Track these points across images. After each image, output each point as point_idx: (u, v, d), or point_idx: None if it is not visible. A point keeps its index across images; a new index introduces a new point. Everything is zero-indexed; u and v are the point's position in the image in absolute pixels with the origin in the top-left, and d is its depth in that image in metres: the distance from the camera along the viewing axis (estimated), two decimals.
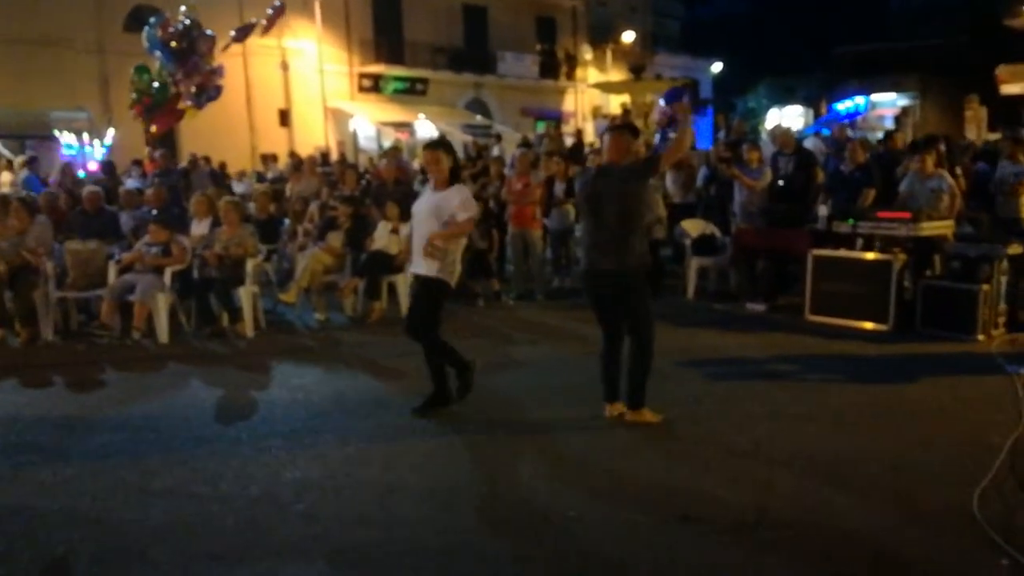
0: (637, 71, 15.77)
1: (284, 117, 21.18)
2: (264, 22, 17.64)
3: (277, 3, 17.64)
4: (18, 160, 15.42)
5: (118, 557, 3.53)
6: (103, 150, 14.04)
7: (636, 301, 4.88)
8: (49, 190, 10.46)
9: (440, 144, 5.72)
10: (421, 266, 5.13)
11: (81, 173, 12.95)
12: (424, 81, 27.35)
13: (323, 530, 3.72)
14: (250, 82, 20.94)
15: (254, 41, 21.28)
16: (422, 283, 5.23)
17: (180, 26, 14.45)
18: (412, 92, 27.02)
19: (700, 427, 4.97)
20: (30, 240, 7.73)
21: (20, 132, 17.32)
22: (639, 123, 12.77)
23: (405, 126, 24.51)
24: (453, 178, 5.23)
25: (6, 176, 14.05)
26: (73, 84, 19.14)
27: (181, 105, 14.77)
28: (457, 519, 3.81)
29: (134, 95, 14.30)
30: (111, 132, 15.23)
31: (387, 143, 22.69)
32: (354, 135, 25.27)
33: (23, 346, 7.40)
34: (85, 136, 14.47)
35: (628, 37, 32.42)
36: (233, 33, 17.01)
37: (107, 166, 12.03)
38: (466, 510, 3.90)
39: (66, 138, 13.73)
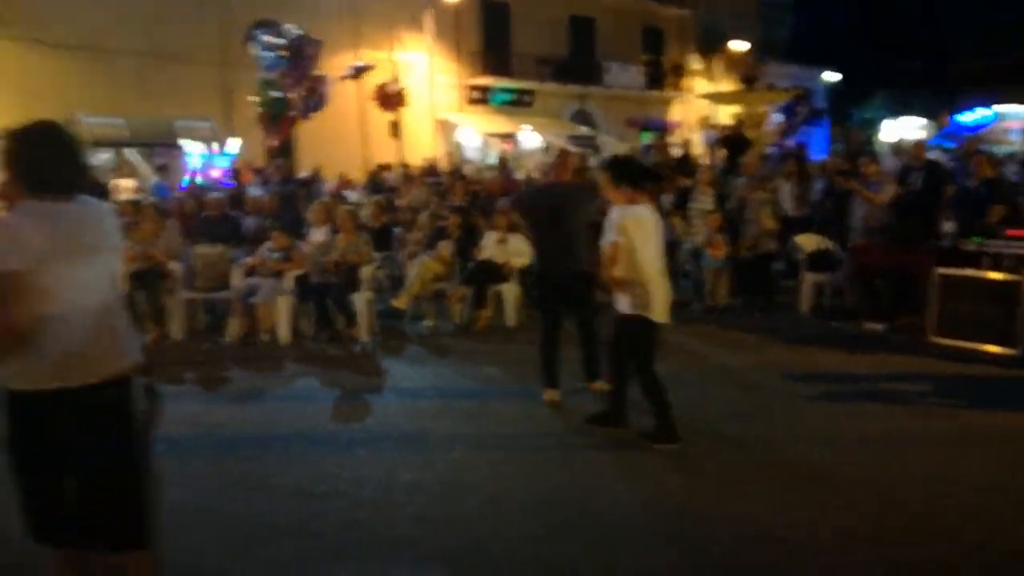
0: (749, 81, 15.49)
1: (395, 129, 21.70)
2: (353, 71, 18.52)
3: (359, 65, 18.35)
4: (145, 167, 16.42)
5: (240, 551, 3.71)
6: (227, 158, 14.76)
7: (587, 295, 5.74)
8: (177, 196, 11.05)
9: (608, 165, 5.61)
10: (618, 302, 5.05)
11: (198, 179, 13.65)
12: (530, 92, 27.59)
13: (432, 532, 3.82)
14: (362, 94, 21.57)
15: (366, 53, 22.00)
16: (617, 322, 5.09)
17: (289, 33, 15.10)
18: (518, 104, 27.30)
19: (816, 452, 4.84)
20: (160, 244, 8.19)
21: (149, 140, 18.37)
22: (751, 134, 12.53)
23: (510, 137, 24.76)
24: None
25: (129, 182, 14.93)
26: (197, 95, 20.16)
27: (292, 114, 15.44)
28: (559, 529, 3.84)
29: (260, 108, 15.00)
30: (234, 141, 15.99)
31: (493, 154, 23.00)
32: (460, 146, 25.70)
33: (153, 344, 7.83)
34: (209, 145, 15.24)
35: (739, 46, 31.81)
36: (349, 71, 17.70)
37: (233, 174, 12.65)
38: (569, 520, 3.93)
39: (191, 147, 14.50)
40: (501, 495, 4.22)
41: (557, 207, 5.68)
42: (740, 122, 14.61)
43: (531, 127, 24.81)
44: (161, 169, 14.20)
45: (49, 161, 2.54)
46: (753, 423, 5.29)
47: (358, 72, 17.59)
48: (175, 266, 8.12)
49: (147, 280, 7.89)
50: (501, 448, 4.94)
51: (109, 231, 2.69)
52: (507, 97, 27.24)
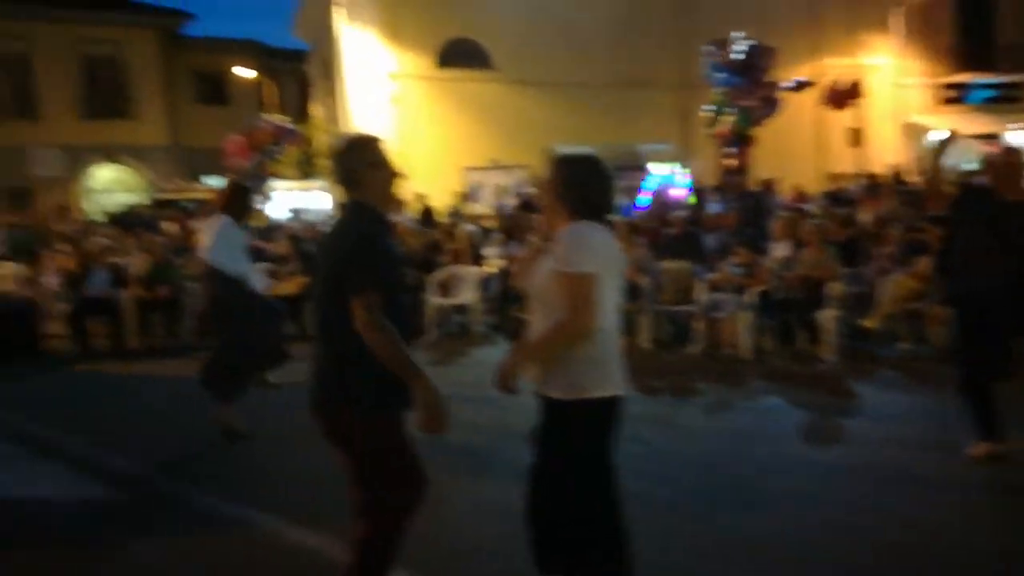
0: None
1: (855, 136, 20.55)
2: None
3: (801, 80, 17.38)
4: None
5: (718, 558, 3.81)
6: (686, 178, 15.32)
7: None
8: (642, 214, 11.76)
9: None
10: None
11: (659, 199, 14.31)
12: (1017, 86, 24.01)
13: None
14: (817, 102, 20.78)
15: (826, 60, 21.15)
16: None
17: (740, 44, 15.08)
18: (1003, 100, 23.93)
19: None
20: (631, 259, 8.79)
21: (614, 164, 19.88)
22: None
23: (992, 138, 21.79)
24: None
25: None
26: (656, 119, 21.26)
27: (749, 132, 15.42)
28: None
29: (717, 125, 15.33)
30: (691, 161, 16.55)
31: (969, 158, 20.44)
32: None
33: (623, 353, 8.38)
34: (670, 167, 15.96)
35: None
36: (790, 83, 17.13)
37: (692, 192, 13.13)
38: None
39: (656, 169, 15.33)
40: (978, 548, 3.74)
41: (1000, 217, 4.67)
42: None
43: (1018, 125, 21.59)
44: (625, 191, 15.24)
45: (597, 187, 2.90)
46: None
47: (799, 86, 16.97)
48: (644, 280, 8.66)
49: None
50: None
51: (620, 255, 2.99)
52: (988, 93, 24.05)
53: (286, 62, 30.11)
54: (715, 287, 8.28)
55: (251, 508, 4.48)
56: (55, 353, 9.52)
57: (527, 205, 13.51)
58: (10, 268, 11.43)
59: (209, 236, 5.89)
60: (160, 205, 20.99)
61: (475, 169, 20.36)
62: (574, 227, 2.79)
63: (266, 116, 19.93)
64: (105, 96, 26.91)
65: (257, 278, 6.32)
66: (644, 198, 14.89)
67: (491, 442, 5.60)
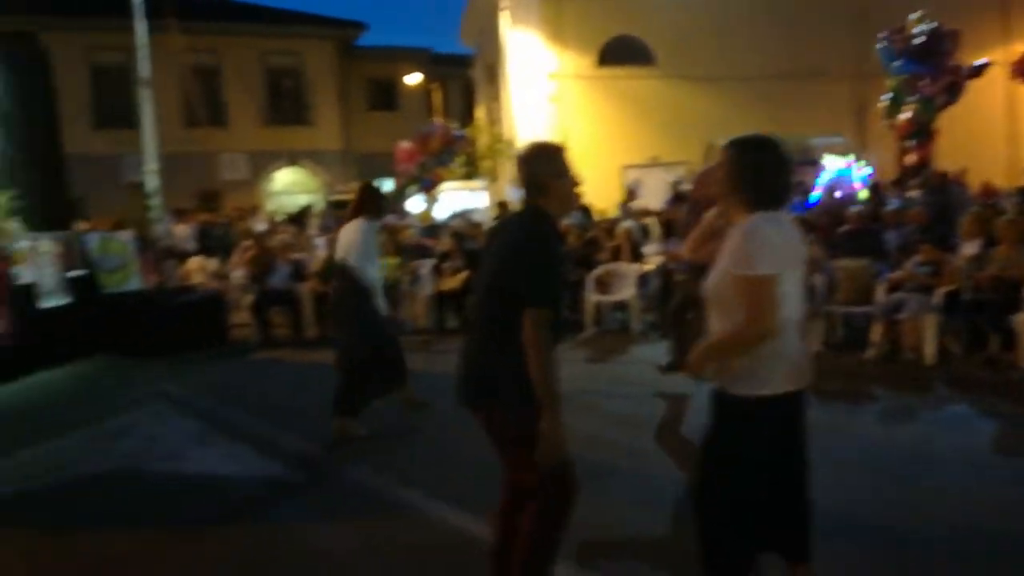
0: None
1: None
2: None
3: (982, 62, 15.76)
4: None
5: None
6: (864, 172, 14.47)
7: None
8: (815, 210, 11.20)
9: None
10: None
11: (835, 194, 13.57)
12: None
13: None
14: (1011, 89, 19.14)
15: (1015, 45, 19.40)
16: None
17: (918, 29, 14.04)
18: None
19: None
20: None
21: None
22: None
23: None
24: None
25: None
26: (829, 111, 20.22)
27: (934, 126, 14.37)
28: None
29: (896, 116, 14.43)
30: (868, 154, 15.62)
31: None
32: None
33: None
34: (845, 161, 15.11)
35: None
36: (967, 69, 15.74)
37: (873, 188, 12.39)
38: None
39: (830, 163, 14.57)
40: None
41: None
42: None
43: None
44: (796, 185, 14.57)
45: (774, 173, 2.73)
46: None
47: (978, 70, 15.56)
48: (817, 279, 8.23)
49: None
50: None
51: (802, 244, 2.82)
52: None
53: (452, 68, 30.98)
54: (896, 287, 7.75)
55: (419, 493, 4.62)
56: (240, 342, 10.23)
57: (679, 199, 13.18)
58: (200, 263, 12.43)
59: (349, 238, 5.85)
60: (335, 206, 22.16)
61: (634, 167, 20.18)
62: (751, 224, 2.64)
63: (436, 123, 20.64)
64: (286, 104, 28.72)
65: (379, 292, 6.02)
66: (816, 194, 14.19)
67: (649, 438, 5.51)
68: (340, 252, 5.94)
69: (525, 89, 20.31)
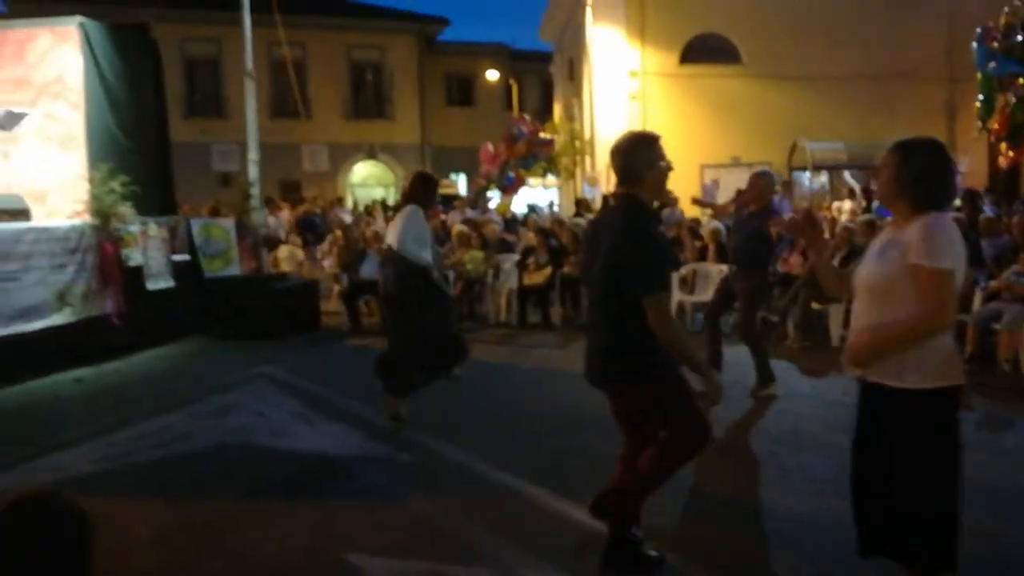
0: None
1: None
2: None
3: None
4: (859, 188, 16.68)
5: None
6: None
7: None
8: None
9: None
10: None
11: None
12: None
13: None
14: None
15: None
16: None
17: (1012, 25, 13.56)
18: None
19: None
20: None
21: (866, 163, 18.66)
22: None
23: None
24: None
25: (847, 204, 15.28)
26: (917, 113, 19.65)
27: None
28: None
29: (989, 118, 14.00)
30: (961, 161, 15.21)
31: None
32: None
33: None
34: None
35: None
36: None
37: (966, 194, 12.03)
38: None
39: None
40: None
41: None
42: None
43: None
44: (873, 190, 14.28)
45: (943, 175, 2.77)
46: None
47: None
48: None
49: None
50: None
51: (964, 247, 2.82)
52: None
53: (530, 64, 31.19)
54: (993, 296, 7.61)
55: (521, 476, 4.81)
56: (331, 328, 10.59)
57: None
58: (290, 251, 12.86)
59: (399, 225, 5.96)
60: None
61: (714, 166, 20.03)
62: (936, 220, 2.67)
63: (523, 125, 20.78)
64: (368, 98, 29.30)
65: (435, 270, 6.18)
66: None
67: (748, 439, 5.58)
68: (390, 239, 6.03)
69: (606, 86, 20.32)
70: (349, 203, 25.94)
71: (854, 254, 9.16)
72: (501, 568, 3.68)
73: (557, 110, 27.15)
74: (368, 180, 30.04)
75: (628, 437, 3.55)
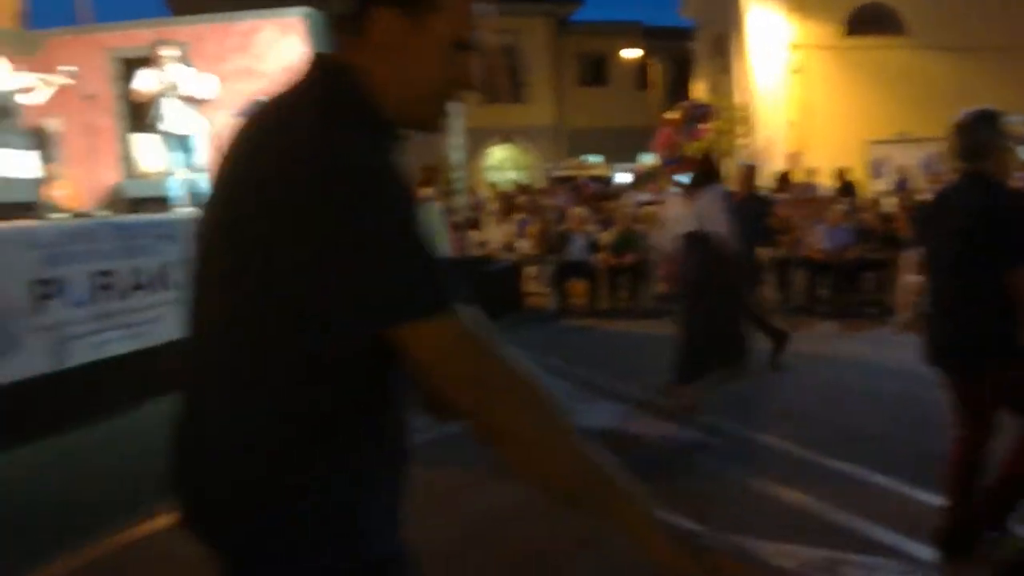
0: None
1: None
2: None
3: None
4: None
5: None
6: None
7: None
8: None
9: None
10: None
11: None
12: None
13: None
14: None
15: None
16: None
17: None
18: None
19: None
20: None
21: None
22: None
23: None
24: None
25: None
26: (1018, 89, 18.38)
27: None
28: None
29: None
30: None
31: None
32: None
33: None
34: None
35: None
36: None
37: None
38: None
39: None
40: None
41: None
42: None
43: None
44: None
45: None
46: None
47: None
48: None
49: None
50: None
51: None
52: None
53: (665, 41, 30.66)
54: None
55: (828, 457, 4.71)
56: (533, 310, 10.65)
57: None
58: (488, 234, 12.95)
59: (708, 208, 5.72)
60: (558, 181, 22.56)
61: (880, 142, 19.24)
62: None
63: (703, 105, 20.43)
64: (504, 82, 29.42)
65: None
66: None
67: None
68: (698, 223, 5.76)
69: (764, 60, 19.77)
70: (485, 187, 26.15)
71: None
72: (899, 557, 3.55)
73: (697, 88, 26.61)
74: (504, 164, 30.23)
75: (969, 425, 3.36)
